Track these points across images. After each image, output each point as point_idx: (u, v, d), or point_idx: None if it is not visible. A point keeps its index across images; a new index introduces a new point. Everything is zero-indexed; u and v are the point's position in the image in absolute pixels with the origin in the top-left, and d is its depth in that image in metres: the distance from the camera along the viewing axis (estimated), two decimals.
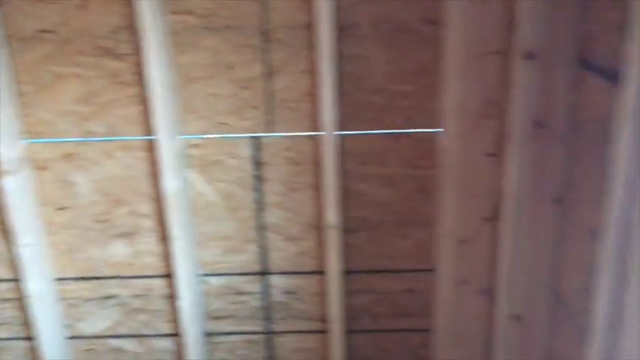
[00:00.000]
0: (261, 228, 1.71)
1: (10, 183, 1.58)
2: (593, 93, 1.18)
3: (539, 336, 1.52)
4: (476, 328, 1.71)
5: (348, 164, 1.64)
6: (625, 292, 0.94)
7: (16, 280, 1.72)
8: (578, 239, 1.31)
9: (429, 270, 1.72)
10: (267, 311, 1.79)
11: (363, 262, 1.73)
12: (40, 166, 1.62)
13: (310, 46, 1.52)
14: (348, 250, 1.71)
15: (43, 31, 1.51)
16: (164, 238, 1.70)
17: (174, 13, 1.49)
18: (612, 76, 1.07)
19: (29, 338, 1.79)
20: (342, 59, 1.53)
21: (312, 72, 1.54)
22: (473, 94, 1.47)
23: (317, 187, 1.66)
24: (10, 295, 1.75)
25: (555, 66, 1.28)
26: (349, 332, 1.79)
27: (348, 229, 1.69)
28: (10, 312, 1.77)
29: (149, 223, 1.69)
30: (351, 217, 1.69)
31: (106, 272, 1.74)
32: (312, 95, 1.57)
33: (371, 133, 1.61)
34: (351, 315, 1.77)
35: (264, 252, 1.73)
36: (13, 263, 1.70)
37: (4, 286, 1.74)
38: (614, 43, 0.99)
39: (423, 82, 1.55)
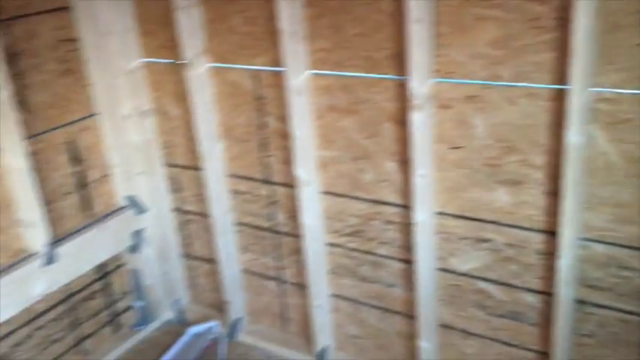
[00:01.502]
0: None
1: (417, 117, 1.72)
2: None
3: None
4: None
5: None
6: None
7: (404, 206, 1.90)
8: None
9: None
10: None
11: None
12: (443, 105, 1.71)
13: None
14: None
15: None
16: (551, 192, 1.64)
17: None
18: None
19: (406, 261, 1.98)
20: None
21: None
22: None
23: None
24: (395, 219, 1.94)
25: None
26: None
27: None
28: (392, 234, 1.97)
29: (539, 175, 1.64)
30: None
31: (485, 216, 1.77)
32: None
33: None
34: None
35: None
36: (405, 191, 1.87)
37: (392, 210, 1.93)
38: None
39: None
